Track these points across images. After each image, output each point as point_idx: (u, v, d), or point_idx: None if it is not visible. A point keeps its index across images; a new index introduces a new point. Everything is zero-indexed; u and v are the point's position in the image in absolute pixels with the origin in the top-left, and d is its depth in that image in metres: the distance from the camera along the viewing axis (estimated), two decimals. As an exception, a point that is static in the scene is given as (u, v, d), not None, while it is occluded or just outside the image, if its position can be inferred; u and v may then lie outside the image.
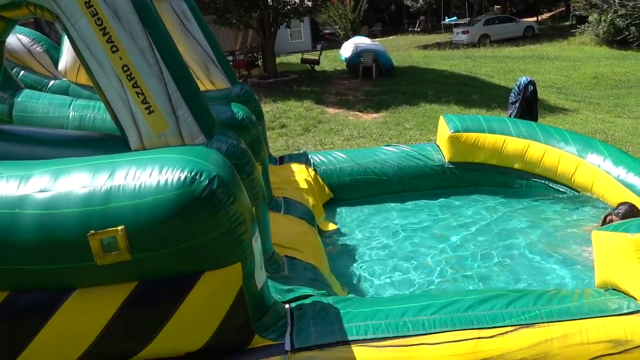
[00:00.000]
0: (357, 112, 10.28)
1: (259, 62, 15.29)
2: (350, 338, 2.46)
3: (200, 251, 2.19)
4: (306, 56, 15.13)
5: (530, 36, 27.58)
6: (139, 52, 2.91)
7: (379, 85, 12.97)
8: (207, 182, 2.11)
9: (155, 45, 2.96)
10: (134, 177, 2.11)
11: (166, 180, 2.09)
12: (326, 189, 5.51)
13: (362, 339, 2.46)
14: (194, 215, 2.11)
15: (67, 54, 5.15)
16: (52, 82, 5.24)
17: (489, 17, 28.44)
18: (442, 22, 35.17)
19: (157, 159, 2.18)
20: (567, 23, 31.12)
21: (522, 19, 30.76)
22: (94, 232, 2.04)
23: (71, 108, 4.18)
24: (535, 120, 7.21)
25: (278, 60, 13.95)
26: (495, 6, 36.31)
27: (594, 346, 2.53)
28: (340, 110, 10.39)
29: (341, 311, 2.62)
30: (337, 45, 23.97)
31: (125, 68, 2.90)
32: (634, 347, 2.55)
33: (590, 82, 16.47)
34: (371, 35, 29.21)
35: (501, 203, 5.26)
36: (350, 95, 12.00)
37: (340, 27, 24.75)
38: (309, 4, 13.44)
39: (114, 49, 2.88)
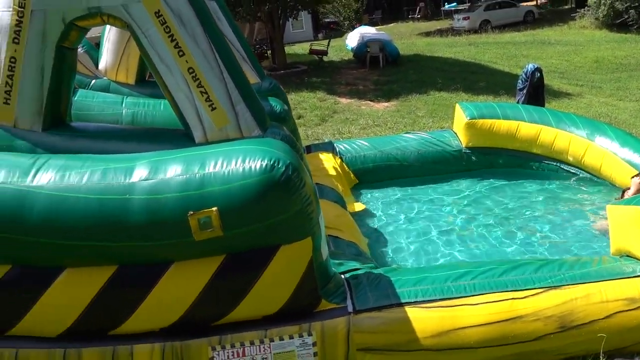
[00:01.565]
0: (369, 102, 10.64)
1: (268, 54, 15.62)
2: (402, 301, 2.85)
3: (279, 227, 2.57)
4: (314, 47, 15.42)
5: (530, 21, 27.76)
6: (202, 55, 3.27)
7: (386, 75, 13.30)
8: (284, 168, 2.49)
9: (215, 48, 3.32)
10: (223, 166, 2.49)
11: (250, 168, 2.47)
12: (352, 175, 5.89)
13: (413, 301, 2.85)
14: (274, 197, 2.49)
15: (106, 55, 5.51)
16: (93, 81, 5.58)
17: (489, 3, 28.54)
18: (442, 8, 35.25)
19: (240, 149, 2.56)
20: (566, 7, 31.30)
21: (522, 4, 30.92)
22: (192, 212, 2.42)
23: (124, 105, 4.54)
24: (543, 105, 7.55)
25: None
26: (495, -9, 36.37)
27: (612, 304, 2.92)
28: (353, 100, 10.74)
29: (392, 279, 3.00)
30: (339, 34, 24.25)
31: (191, 70, 3.26)
32: (647, 304, 2.93)
33: (592, 66, 16.77)
34: (372, 23, 29.37)
35: (517, 184, 5.64)
36: (360, 84, 12.34)
37: (344, 16, 25.03)
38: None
39: (181, 53, 3.23)
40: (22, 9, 3.03)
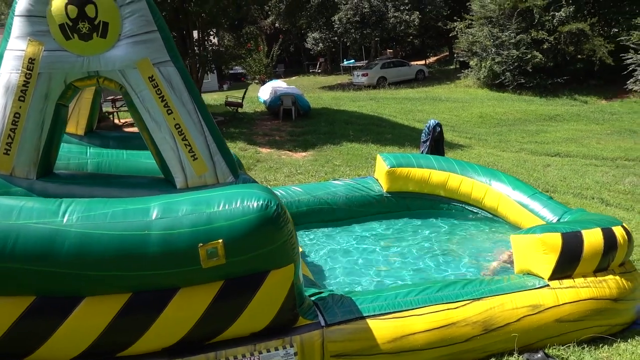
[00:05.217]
0: (288, 152, 11.40)
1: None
2: (364, 314, 3.50)
3: (270, 255, 3.15)
4: (230, 99, 16.08)
5: (421, 79, 30.49)
6: (187, 114, 3.83)
7: (300, 126, 14.22)
8: (275, 207, 3.10)
9: (197, 108, 3.89)
10: (226, 206, 3.04)
11: (249, 207, 3.05)
12: (288, 218, 6.50)
13: (372, 315, 3.52)
14: (267, 230, 3.08)
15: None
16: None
17: (385, 61, 31.03)
18: (341, 64, 37.56)
19: (239, 192, 3.13)
20: (451, 67, 34.64)
21: (412, 62, 33.84)
22: (202, 244, 2.94)
23: (88, 155, 4.89)
24: (442, 155, 8.70)
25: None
26: (388, 50, 39.44)
27: (520, 310, 3.78)
28: (272, 150, 11.45)
29: (352, 298, 3.65)
30: (245, 86, 25.12)
31: (177, 126, 3.80)
32: (545, 309, 3.82)
33: (478, 121, 18.92)
34: (275, 76, 30.70)
35: (430, 223, 6.57)
36: (276, 135, 13.12)
37: (255, 70, 26.11)
38: (234, 51, 14.56)
39: (169, 111, 3.78)
40: (30, 72, 3.44)
